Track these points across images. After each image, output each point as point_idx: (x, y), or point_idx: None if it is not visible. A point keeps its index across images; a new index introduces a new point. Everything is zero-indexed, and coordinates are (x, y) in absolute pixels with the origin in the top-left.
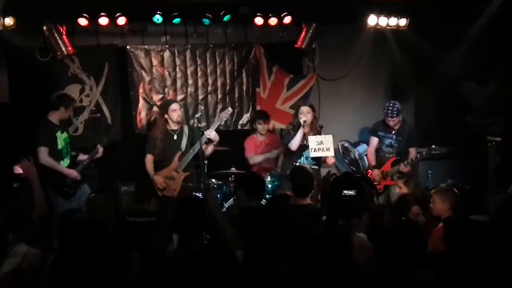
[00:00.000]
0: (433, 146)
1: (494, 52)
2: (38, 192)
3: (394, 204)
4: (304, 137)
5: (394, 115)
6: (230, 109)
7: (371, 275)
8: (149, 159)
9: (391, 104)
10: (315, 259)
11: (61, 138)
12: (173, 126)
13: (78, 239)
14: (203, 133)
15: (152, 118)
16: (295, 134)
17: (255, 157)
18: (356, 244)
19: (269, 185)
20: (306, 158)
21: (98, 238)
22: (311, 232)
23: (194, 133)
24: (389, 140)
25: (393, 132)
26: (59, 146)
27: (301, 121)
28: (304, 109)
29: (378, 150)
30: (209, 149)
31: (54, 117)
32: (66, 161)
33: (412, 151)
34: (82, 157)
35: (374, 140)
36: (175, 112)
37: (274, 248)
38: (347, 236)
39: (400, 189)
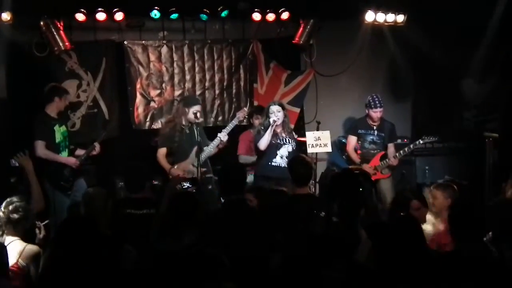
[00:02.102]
0: (424, 136)
1: (492, 48)
2: (34, 185)
3: (392, 201)
4: (277, 136)
5: (380, 105)
6: (245, 109)
7: (371, 271)
8: (162, 153)
9: (375, 96)
10: (315, 254)
11: (59, 131)
12: (184, 122)
13: (71, 236)
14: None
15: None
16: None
17: (245, 158)
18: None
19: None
20: (281, 157)
21: (91, 233)
22: (311, 222)
23: (203, 131)
24: (371, 137)
25: (375, 128)
26: (57, 140)
27: (271, 120)
28: (274, 108)
29: (360, 148)
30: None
31: (52, 109)
32: (63, 155)
33: (391, 147)
34: (80, 152)
35: (353, 139)
36: (196, 114)
37: (274, 240)
38: (351, 232)
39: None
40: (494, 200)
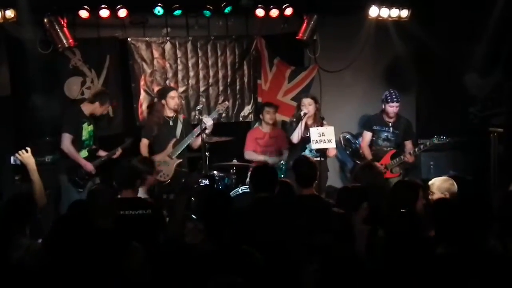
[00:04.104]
0: (436, 136)
1: (496, 43)
2: (37, 182)
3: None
4: (307, 130)
5: (397, 100)
6: (227, 102)
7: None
8: (144, 143)
9: (392, 91)
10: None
11: (87, 130)
12: (169, 113)
13: (65, 232)
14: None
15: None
16: (297, 127)
17: (251, 154)
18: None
19: None
20: (310, 151)
21: (86, 230)
22: (319, 223)
23: (188, 125)
24: (386, 134)
25: (390, 124)
26: (83, 137)
27: (302, 113)
28: (306, 101)
29: (373, 144)
30: (199, 141)
31: (87, 108)
32: (83, 153)
33: (408, 144)
34: (102, 153)
35: (368, 135)
36: (173, 99)
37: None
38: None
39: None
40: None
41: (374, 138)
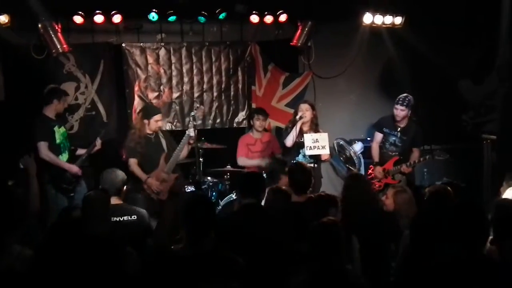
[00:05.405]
0: (438, 151)
1: (489, 50)
2: (34, 187)
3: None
4: (301, 134)
5: (404, 103)
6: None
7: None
8: (133, 163)
9: (404, 95)
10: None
11: (59, 132)
12: (148, 131)
13: (58, 239)
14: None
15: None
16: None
17: (244, 160)
18: None
19: None
20: (304, 156)
21: (79, 237)
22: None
23: (168, 135)
24: (393, 138)
25: (399, 129)
26: (57, 141)
27: (297, 117)
28: (303, 106)
29: (380, 147)
30: (186, 151)
31: (50, 111)
32: (64, 156)
33: (416, 152)
34: (81, 151)
35: (378, 136)
36: (157, 123)
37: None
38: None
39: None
40: (493, 202)
41: (383, 141)
